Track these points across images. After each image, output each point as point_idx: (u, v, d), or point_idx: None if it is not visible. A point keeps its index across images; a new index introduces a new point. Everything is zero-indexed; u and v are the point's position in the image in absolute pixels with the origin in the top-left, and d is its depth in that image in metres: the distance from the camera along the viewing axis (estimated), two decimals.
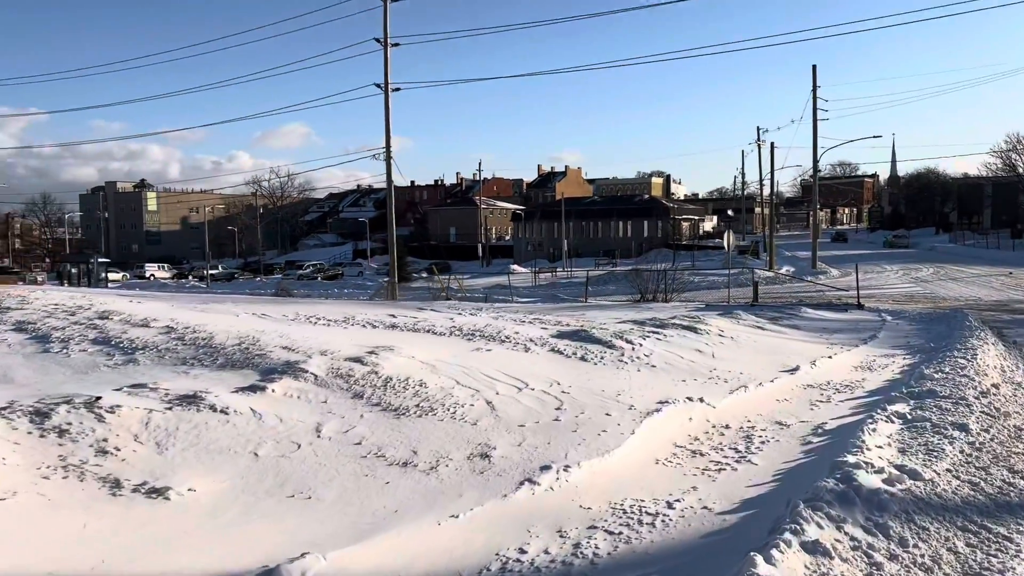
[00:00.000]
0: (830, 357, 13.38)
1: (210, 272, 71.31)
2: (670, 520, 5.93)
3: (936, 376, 11.02)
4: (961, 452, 7.47)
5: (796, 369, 12.05)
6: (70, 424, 6.99)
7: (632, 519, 5.94)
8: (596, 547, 5.41)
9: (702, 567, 5.12)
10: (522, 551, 5.32)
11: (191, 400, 7.93)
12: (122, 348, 10.94)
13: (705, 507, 6.23)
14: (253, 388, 8.64)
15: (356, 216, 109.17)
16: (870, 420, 8.50)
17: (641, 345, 12.74)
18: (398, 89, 31.96)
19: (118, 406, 7.44)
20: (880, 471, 6.60)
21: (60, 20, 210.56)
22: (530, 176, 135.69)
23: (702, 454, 7.74)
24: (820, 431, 8.63)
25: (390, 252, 33.38)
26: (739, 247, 58.44)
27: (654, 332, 14.07)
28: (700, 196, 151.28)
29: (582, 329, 14.12)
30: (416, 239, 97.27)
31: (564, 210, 76.12)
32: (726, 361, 12.55)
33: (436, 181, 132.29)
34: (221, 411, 7.75)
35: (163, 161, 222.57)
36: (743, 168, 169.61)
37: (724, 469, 7.27)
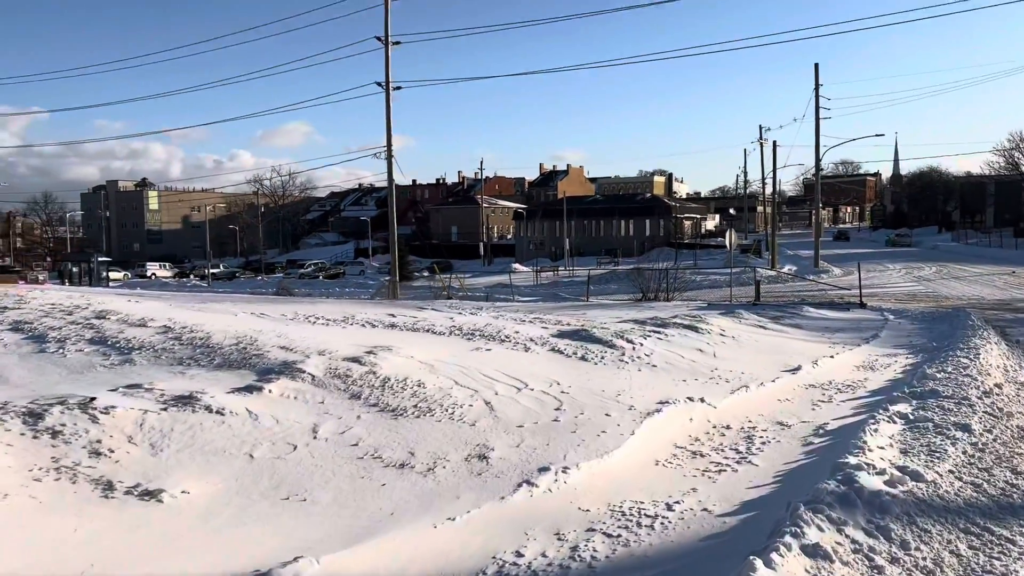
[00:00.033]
0: (832, 356, 13.30)
1: (211, 271, 71.32)
2: (669, 522, 5.86)
3: (938, 376, 10.94)
4: (964, 453, 7.40)
5: (798, 369, 11.98)
6: (64, 425, 6.92)
7: (631, 521, 5.87)
8: (594, 550, 5.34)
9: (701, 571, 5.06)
10: (519, 554, 5.26)
11: (186, 401, 7.86)
12: (118, 348, 10.88)
13: (705, 509, 6.16)
14: (249, 388, 8.57)
15: (358, 215, 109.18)
16: (872, 420, 8.43)
17: (642, 345, 12.67)
18: (399, 88, 31.92)
19: (113, 407, 7.37)
20: (882, 472, 6.53)
21: (62, 19, 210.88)
22: (532, 175, 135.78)
23: (702, 455, 7.67)
24: (821, 432, 8.56)
25: (391, 251, 33.31)
26: (741, 246, 58.29)
27: (655, 331, 14.00)
28: (702, 195, 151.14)
29: (583, 328, 14.05)
30: (418, 238, 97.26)
31: (566, 209, 76.05)
32: (727, 361, 12.48)
33: (438, 180, 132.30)
34: (217, 412, 7.68)
35: (165, 160, 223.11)
36: (745, 167, 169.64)
37: (724, 470, 7.20)
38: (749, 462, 7.43)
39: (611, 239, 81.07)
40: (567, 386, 9.79)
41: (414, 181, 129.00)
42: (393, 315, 16.17)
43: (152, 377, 9.14)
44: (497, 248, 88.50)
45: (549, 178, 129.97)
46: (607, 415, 8.63)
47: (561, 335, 13.50)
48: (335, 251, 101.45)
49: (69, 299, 15.75)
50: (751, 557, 4.71)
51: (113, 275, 64.80)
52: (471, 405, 8.65)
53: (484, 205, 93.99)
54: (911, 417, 8.70)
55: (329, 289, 45.34)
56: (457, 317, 16.19)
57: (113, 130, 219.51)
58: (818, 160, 46.38)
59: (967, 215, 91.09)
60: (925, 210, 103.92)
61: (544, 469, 6.82)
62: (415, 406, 8.51)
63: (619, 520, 5.89)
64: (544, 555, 5.26)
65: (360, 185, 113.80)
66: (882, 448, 7.41)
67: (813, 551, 4.96)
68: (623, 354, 12.07)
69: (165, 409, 7.59)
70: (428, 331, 13.83)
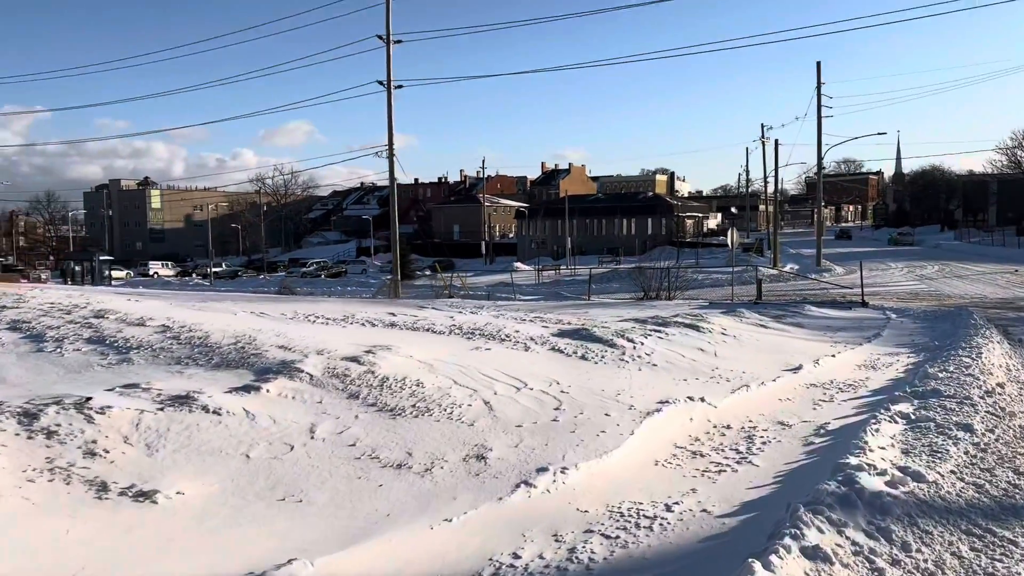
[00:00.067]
0: (833, 356, 13.24)
1: (213, 270, 71.34)
2: (668, 524, 5.81)
3: (940, 375, 10.87)
4: (965, 453, 7.34)
5: (799, 368, 11.91)
6: (59, 425, 6.88)
7: (629, 522, 5.82)
8: (592, 552, 5.29)
9: (699, 573, 5.01)
10: (516, 556, 5.21)
11: (183, 400, 7.81)
12: (116, 347, 10.84)
13: (704, 510, 6.11)
14: (247, 388, 8.53)
15: (360, 214, 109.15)
16: (873, 420, 8.36)
17: (642, 344, 12.62)
18: (401, 86, 31.87)
19: (108, 407, 7.33)
20: (883, 473, 6.47)
21: (65, 18, 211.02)
22: (534, 174, 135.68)
23: (702, 455, 7.62)
24: (822, 431, 8.50)
25: (393, 250, 33.26)
26: (743, 244, 58.18)
27: (656, 330, 13.94)
28: (704, 193, 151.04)
29: (583, 327, 13.99)
30: (420, 237, 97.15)
31: (568, 207, 75.98)
32: (728, 360, 12.42)
33: (440, 179, 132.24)
34: (214, 412, 7.63)
35: (168, 159, 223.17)
36: (747, 165, 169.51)
37: (724, 471, 7.14)
38: (749, 462, 7.38)
39: (613, 238, 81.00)
40: (567, 385, 9.74)
41: (416, 180, 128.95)
42: (393, 314, 16.13)
43: (149, 377, 9.10)
44: (499, 247, 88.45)
45: (551, 177, 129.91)
46: (607, 415, 8.57)
47: (561, 334, 13.45)
48: (337, 250, 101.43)
49: (68, 298, 15.72)
50: (750, 560, 4.65)
51: (116, 274, 64.82)
52: (470, 405, 8.60)
53: (486, 204, 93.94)
54: (913, 417, 8.64)
55: (331, 288, 45.30)
56: (457, 316, 16.15)
57: (116, 129, 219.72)
58: (820, 158, 46.31)
59: (970, 213, 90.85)
60: (927, 209, 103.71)
61: (542, 469, 6.77)
62: (413, 406, 8.46)
63: (617, 521, 5.84)
64: (541, 557, 5.21)
65: (362, 184, 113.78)
66: (883, 448, 7.35)
67: (813, 553, 4.90)
68: (623, 353, 12.01)
69: (161, 409, 7.55)
70: (428, 330, 13.78)
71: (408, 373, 9.46)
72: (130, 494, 5.91)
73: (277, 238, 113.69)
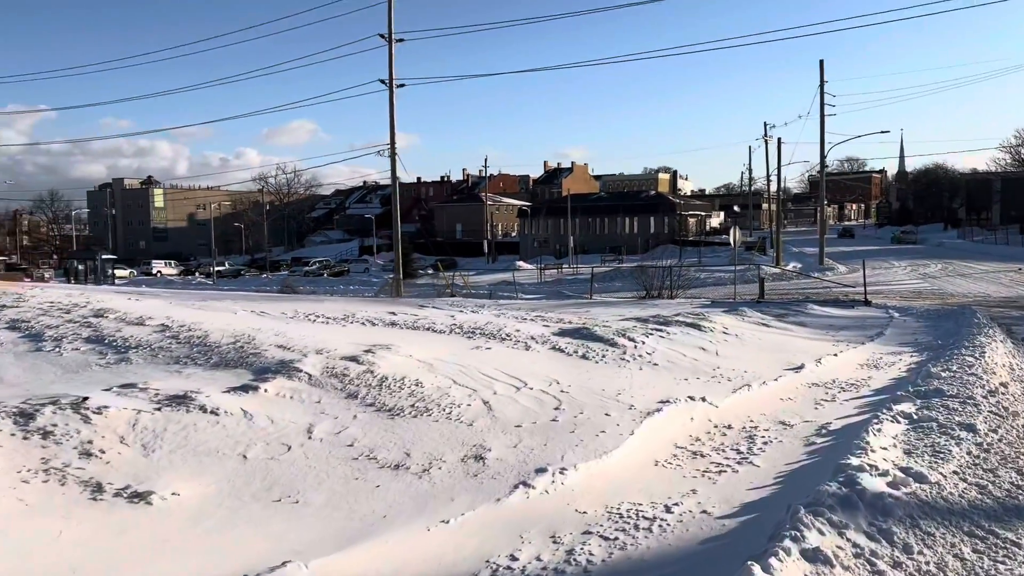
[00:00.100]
0: (836, 355, 13.18)
1: (216, 269, 71.40)
2: (667, 525, 5.76)
3: (943, 375, 10.81)
4: (968, 454, 7.28)
5: (801, 367, 11.85)
6: (55, 425, 6.84)
7: (628, 524, 5.77)
8: (590, 553, 5.24)
9: (698, 575, 4.95)
10: (513, 558, 5.16)
11: (181, 400, 7.77)
12: (115, 347, 10.81)
13: (704, 511, 6.05)
14: (245, 388, 8.49)
15: (362, 213, 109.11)
16: (875, 420, 8.30)
17: (644, 343, 12.56)
18: (403, 85, 31.80)
19: (105, 407, 7.29)
20: (885, 474, 6.41)
21: (68, 18, 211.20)
22: (536, 172, 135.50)
23: (703, 455, 7.56)
24: (824, 431, 8.44)
25: (395, 249, 33.24)
26: (746, 243, 58.13)
27: (657, 330, 13.88)
28: (707, 192, 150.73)
29: (584, 327, 13.94)
30: (422, 236, 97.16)
31: (570, 206, 75.91)
32: (730, 359, 12.36)
33: (442, 178, 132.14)
34: (211, 412, 7.59)
35: (171, 158, 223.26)
36: (750, 164, 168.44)
37: (725, 471, 7.09)
38: (750, 463, 7.32)
39: (615, 236, 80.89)
40: (567, 385, 9.68)
41: (418, 179, 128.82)
42: (394, 313, 16.08)
43: (148, 376, 9.06)
44: (501, 246, 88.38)
45: (553, 176, 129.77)
46: (607, 415, 8.52)
47: (562, 333, 13.40)
48: (340, 249, 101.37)
49: (68, 297, 15.69)
50: (749, 562, 4.60)
51: (119, 273, 64.94)
52: (469, 405, 8.56)
53: (488, 203, 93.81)
54: (915, 417, 8.58)
55: (333, 287, 45.30)
56: (458, 315, 16.10)
57: (119, 128, 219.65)
58: (823, 156, 46.19)
59: (973, 212, 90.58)
60: (931, 207, 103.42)
61: (541, 470, 6.72)
62: (412, 406, 8.42)
63: (616, 522, 5.79)
64: (539, 559, 5.16)
65: (365, 183, 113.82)
66: (885, 449, 7.29)
67: (813, 555, 4.85)
68: (624, 352, 11.96)
69: (159, 409, 7.51)
70: (428, 329, 13.74)
71: (407, 373, 9.41)
72: (125, 495, 5.87)
73: (280, 237, 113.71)
